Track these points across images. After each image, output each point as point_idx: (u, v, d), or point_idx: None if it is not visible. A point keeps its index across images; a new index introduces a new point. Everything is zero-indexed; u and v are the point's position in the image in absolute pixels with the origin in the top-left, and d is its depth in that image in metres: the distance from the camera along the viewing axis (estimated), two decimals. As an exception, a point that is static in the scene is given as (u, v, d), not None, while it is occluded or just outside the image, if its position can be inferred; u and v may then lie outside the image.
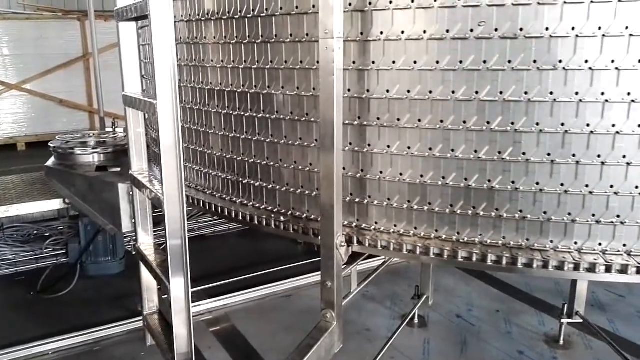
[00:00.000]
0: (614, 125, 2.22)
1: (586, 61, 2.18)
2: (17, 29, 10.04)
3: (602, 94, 2.20)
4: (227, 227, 6.84)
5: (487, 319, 5.00)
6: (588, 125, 2.24)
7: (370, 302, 5.29)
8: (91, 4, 7.29)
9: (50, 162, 5.01)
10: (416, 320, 4.87)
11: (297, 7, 2.59)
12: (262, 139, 2.91)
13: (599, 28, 2.13)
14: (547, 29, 2.17)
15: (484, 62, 2.27)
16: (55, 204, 4.97)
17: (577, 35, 2.15)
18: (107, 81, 7.42)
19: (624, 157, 2.25)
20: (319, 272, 2.68)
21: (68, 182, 4.67)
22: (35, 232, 5.94)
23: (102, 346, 4.52)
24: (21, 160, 8.80)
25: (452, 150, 2.42)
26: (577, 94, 2.22)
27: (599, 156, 2.26)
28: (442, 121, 2.40)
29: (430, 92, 2.39)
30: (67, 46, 10.54)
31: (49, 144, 5.07)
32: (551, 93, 2.23)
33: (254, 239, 6.64)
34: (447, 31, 2.29)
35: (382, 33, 2.42)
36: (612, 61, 2.16)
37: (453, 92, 2.35)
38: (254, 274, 5.63)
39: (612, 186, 2.29)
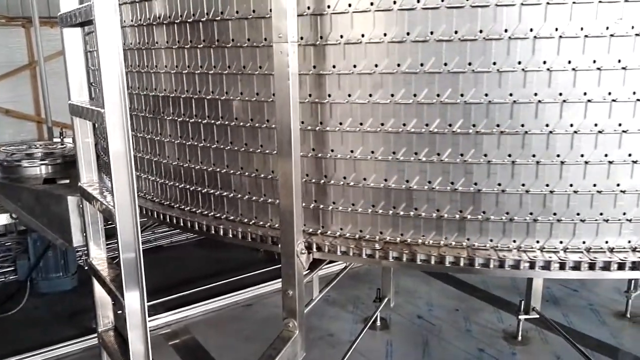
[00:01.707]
0: (547, 126, 2.27)
1: (544, 62, 2.21)
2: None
3: (560, 94, 2.23)
4: (185, 237, 6.71)
5: (447, 318, 5.07)
6: (547, 125, 2.27)
7: (333, 307, 5.28)
8: (35, 9, 7.04)
9: (-5, 175, 4.78)
10: (378, 323, 4.89)
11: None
12: (209, 145, 2.84)
13: (556, 29, 2.17)
14: (505, 30, 2.20)
15: (445, 64, 2.27)
16: (2, 219, 4.74)
17: (535, 37, 2.18)
18: (55, 89, 7.16)
19: (558, 155, 2.29)
20: (281, 279, 2.63)
21: (14, 196, 4.46)
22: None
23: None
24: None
25: (416, 154, 2.42)
26: (535, 94, 2.24)
27: (558, 155, 2.30)
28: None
29: (392, 95, 2.37)
30: (11, 54, 10.16)
31: (-7, 156, 4.85)
32: (510, 95, 2.25)
33: (212, 248, 6.52)
34: (408, 34, 2.28)
35: (342, 37, 2.39)
36: (569, 62, 2.19)
37: (415, 95, 2.35)
38: (214, 284, 5.53)
39: (571, 185, 2.34)
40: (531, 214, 2.37)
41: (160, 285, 5.27)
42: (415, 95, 2.32)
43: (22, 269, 5.46)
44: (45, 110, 7.29)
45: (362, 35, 2.33)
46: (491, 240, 2.44)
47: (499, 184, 2.35)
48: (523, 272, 2.37)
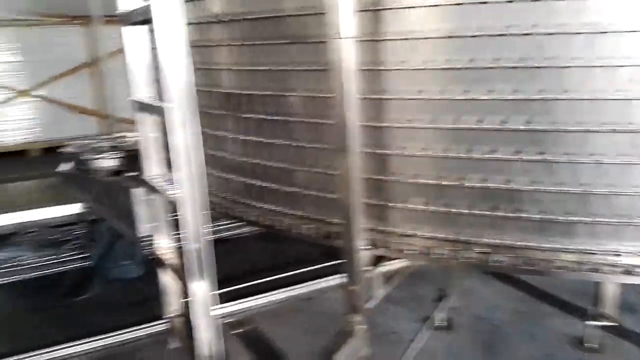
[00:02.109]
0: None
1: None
2: (24, 35, 10.05)
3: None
4: (249, 229, 6.78)
5: (512, 321, 4.88)
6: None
7: (395, 305, 5.20)
8: (96, 7, 7.28)
9: (65, 167, 5.00)
10: (441, 323, 4.77)
11: (313, 7, 2.52)
12: (276, 141, 2.84)
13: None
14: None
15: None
16: (75, 209, 4.97)
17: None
18: (120, 86, 7.42)
19: None
20: (343, 275, 2.62)
21: (84, 187, 4.67)
22: (55, 236, 5.97)
23: (126, 349, 4.49)
24: (34, 166, 8.82)
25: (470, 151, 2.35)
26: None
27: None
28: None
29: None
30: (76, 51, 10.51)
31: (62, 150, 5.06)
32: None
33: (274, 241, 6.57)
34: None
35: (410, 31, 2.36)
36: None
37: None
38: (276, 276, 5.56)
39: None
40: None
41: (223, 276, 5.35)
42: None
43: (93, 256, 5.70)
44: (107, 106, 7.52)
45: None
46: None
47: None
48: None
